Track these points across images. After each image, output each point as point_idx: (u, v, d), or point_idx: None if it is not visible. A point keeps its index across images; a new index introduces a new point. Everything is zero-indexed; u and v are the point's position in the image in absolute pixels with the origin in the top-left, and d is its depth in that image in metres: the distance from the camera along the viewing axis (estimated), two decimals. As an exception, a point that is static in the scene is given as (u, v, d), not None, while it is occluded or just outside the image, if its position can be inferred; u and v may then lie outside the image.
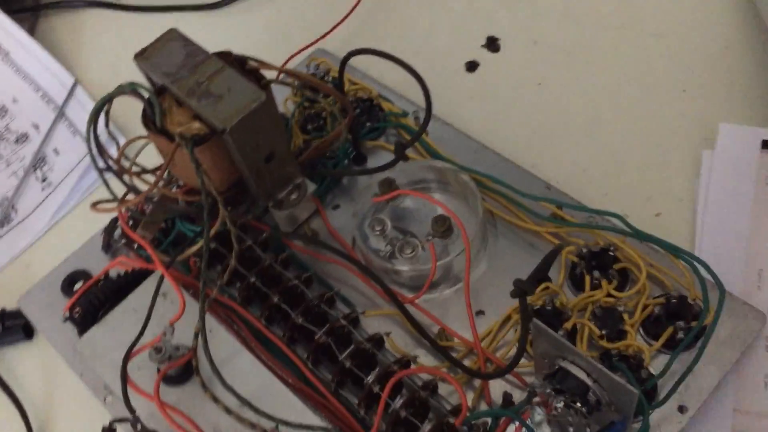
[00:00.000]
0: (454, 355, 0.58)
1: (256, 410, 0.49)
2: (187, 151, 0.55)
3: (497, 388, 0.57)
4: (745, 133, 0.64)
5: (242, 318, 0.59)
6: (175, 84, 0.56)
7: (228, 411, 0.52)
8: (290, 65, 0.78)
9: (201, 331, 0.51)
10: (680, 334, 0.55)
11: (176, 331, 0.55)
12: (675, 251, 0.56)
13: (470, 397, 0.57)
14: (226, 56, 0.59)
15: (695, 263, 0.55)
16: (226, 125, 0.54)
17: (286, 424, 0.49)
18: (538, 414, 0.53)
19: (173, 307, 0.58)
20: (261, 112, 0.56)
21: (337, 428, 0.50)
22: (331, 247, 0.62)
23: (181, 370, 0.55)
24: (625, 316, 0.57)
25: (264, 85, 0.58)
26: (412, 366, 0.56)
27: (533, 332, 0.50)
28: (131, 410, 0.52)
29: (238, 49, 0.60)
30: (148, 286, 0.61)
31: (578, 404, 0.48)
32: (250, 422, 0.51)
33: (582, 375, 0.48)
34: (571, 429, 0.50)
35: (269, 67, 0.60)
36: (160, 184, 0.63)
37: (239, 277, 0.61)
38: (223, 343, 0.57)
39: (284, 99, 0.75)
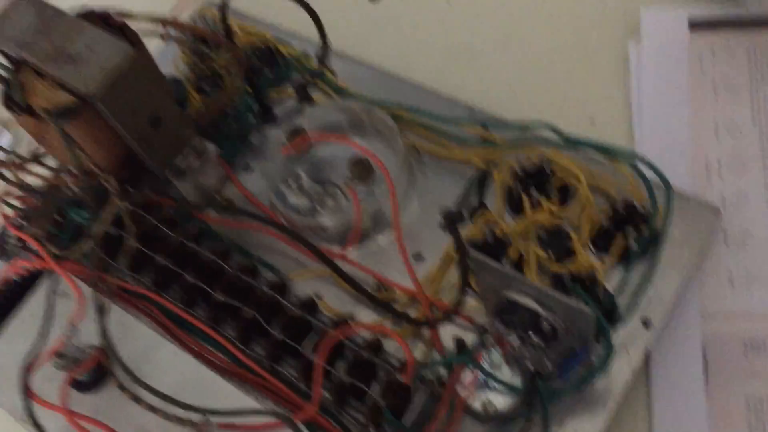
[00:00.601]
0: (397, 307, 0.53)
1: (177, 403, 0.43)
2: (55, 127, 0.48)
3: (449, 335, 0.52)
4: (669, 16, 0.59)
5: (159, 305, 0.53)
6: (31, 52, 0.49)
7: (152, 409, 0.46)
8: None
9: (99, 323, 0.45)
10: (632, 244, 0.51)
11: (85, 331, 0.49)
12: (612, 153, 0.51)
13: (421, 348, 0.52)
14: (86, 15, 0.52)
15: (636, 162, 0.50)
16: (94, 90, 0.47)
17: (215, 413, 0.44)
18: (496, 355, 0.49)
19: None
20: (133, 70, 0.49)
21: (272, 408, 0.45)
22: (246, 212, 0.56)
23: (94, 373, 0.49)
24: (572, 234, 0.52)
25: (134, 39, 0.51)
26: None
27: (472, 266, 0.45)
28: (40, 429, 0.46)
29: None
30: (44, 288, 0.54)
31: (532, 336, 0.43)
32: (178, 418, 0.45)
33: (531, 303, 0.43)
34: (530, 365, 0.45)
35: (138, 18, 0.53)
36: (42, 171, 0.56)
37: (149, 261, 0.54)
38: (140, 336, 0.51)
39: (174, 60, 0.68)
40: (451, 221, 0.44)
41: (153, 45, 0.69)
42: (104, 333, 0.45)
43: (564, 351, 0.45)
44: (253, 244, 0.58)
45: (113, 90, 0.48)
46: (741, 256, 0.52)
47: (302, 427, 0.47)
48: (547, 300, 0.43)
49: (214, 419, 0.44)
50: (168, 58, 0.69)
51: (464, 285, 0.46)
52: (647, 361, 0.51)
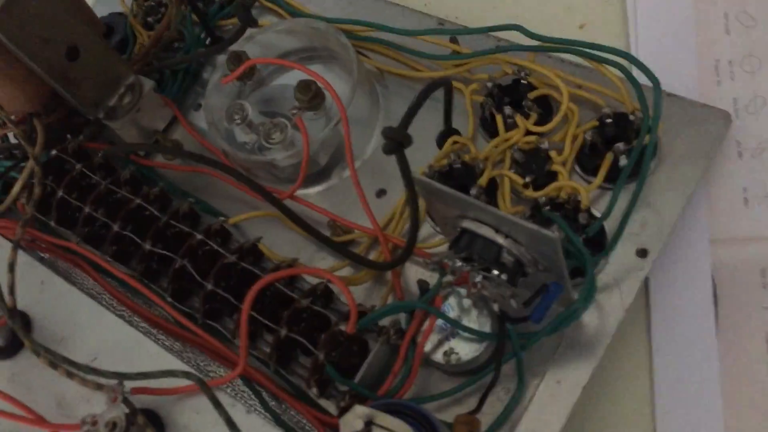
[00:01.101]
0: (354, 250, 0.46)
1: (80, 367, 0.38)
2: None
3: (414, 278, 0.45)
4: None
5: (88, 260, 0.47)
6: None
7: (70, 375, 0.40)
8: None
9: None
10: (623, 161, 0.43)
11: None
12: (595, 53, 0.43)
13: (381, 293, 0.45)
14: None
15: (625, 62, 0.42)
16: (-16, 15, 0.41)
17: (128, 377, 0.38)
18: (465, 299, 0.42)
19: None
20: (32, -8, 0.43)
21: (187, 369, 0.39)
22: (184, 153, 0.50)
23: (11, 338, 0.44)
24: (553, 154, 0.44)
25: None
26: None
27: (421, 193, 0.38)
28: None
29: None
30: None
31: (495, 271, 0.36)
32: (96, 384, 0.40)
33: (489, 233, 0.36)
34: (495, 305, 0.38)
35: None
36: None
37: (78, 211, 0.48)
38: (63, 295, 0.45)
39: (121, -6, 0.62)
40: (397, 143, 0.37)
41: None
42: (1, 294, 0.40)
43: (535, 287, 0.37)
44: (204, 188, 0.52)
45: (10, 14, 0.42)
46: (757, 169, 0.44)
47: (241, 386, 0.41)
48: (506, 227, 0.35)
49: (129, 383, 0.38)
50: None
51: (414, 217, 0.39)
52: (646, 295, 0.43)
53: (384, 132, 0.37)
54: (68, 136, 0.52)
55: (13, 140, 0.55)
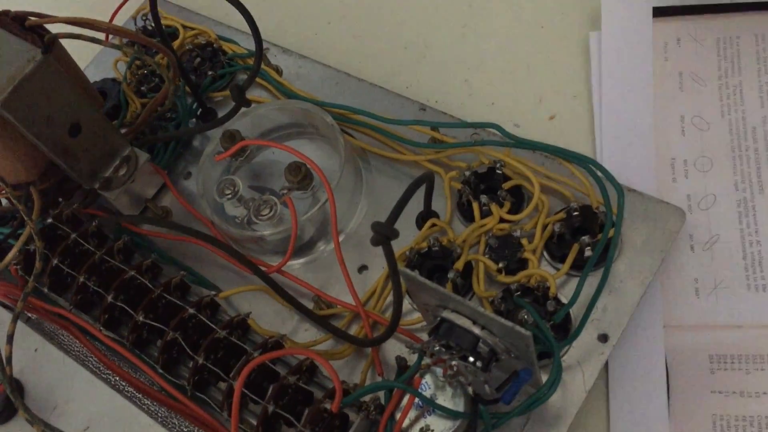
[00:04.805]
0: (339, 322, 0.49)
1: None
2: (-44, 139, 0.44)
3: (392, 352, 0.48)
4: (631, 3, 0.55)
5: (81, 328, 0.49)
6: (-69, 59, 0.45)
7: (62, 444, 0.42)
8: (119, 21, 0.67)
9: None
10: (588, 252, 0.46)
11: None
12: (563, 154, 0.47)
13: (361, 368, 0.48)
14: (-2, 16, 0.48)
15: (588, 165, 0.46)
16: (-4, 97, 0.44)
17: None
18: (440, 378, 0.44)
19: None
20: (41, 76, 0.45)
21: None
22: (176, 226, 0.52)
23: (3, 404, 0.45)
24: (524, 242, 0.48)
25: (49, 41, 0.48)
26: (287, 347, 0.47)
27: (405, 282, 0.41)
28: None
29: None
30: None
31: (471, 359, 0.39)
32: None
33: (466, 323, 0.39)
34: (469, 388, 0.41)
35: (55, 20, 0.49)
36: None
37: (72, 279, 0.50)
38: (56, 363, 0.47)
39: (115, 61, 0.65)
40: (384, 237, 0.40)
41: (93, 45, 0.65)
42: (2, 364, 0.41)
43: (507, 372, 0.41)
44: (192, 256, 0.55)
45: (19, 95, 0.44)
46: (707, 263, 0.48)
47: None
48: (483, 320, 0.39)
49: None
50: (108, 58, 0.65)
51: (399, 304, 0.42)
52: (606, 377, 0.47)
53: (373, 227, 0.40)
54: (60, 200, 0.54)
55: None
